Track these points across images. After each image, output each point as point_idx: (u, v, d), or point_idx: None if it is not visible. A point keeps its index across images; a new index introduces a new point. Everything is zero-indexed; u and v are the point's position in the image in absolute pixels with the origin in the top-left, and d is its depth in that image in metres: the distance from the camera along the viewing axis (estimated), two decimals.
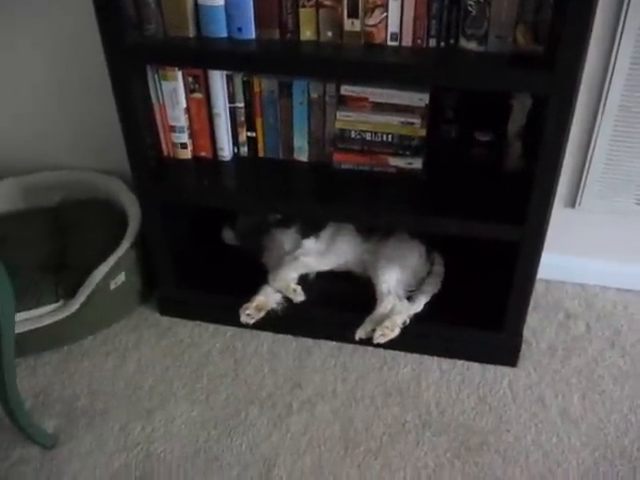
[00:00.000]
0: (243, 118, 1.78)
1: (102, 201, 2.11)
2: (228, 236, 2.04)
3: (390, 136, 1.73)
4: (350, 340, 1.83)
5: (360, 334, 1.81)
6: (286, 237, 1.95)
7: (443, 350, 1.87)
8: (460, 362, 1.86)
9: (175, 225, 1.93)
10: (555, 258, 2.02)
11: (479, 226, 1.63)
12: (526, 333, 1.91)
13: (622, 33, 1.65)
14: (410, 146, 1.73)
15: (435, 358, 1.87)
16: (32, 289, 1.84)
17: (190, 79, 1.72)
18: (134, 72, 1.65)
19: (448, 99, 1.76)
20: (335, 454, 1.66)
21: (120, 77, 1.60)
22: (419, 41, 1.52)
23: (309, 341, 1.93)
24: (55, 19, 1.94)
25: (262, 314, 1.85)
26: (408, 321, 1.80)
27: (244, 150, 1.83)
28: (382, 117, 1.71)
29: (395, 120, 1.71)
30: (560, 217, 1.94)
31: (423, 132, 1.71)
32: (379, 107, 1.71)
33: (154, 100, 1.74)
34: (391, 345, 1.82)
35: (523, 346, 1.88)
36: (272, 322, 1.89)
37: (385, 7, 1.49)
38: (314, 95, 1.71)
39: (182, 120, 1.77)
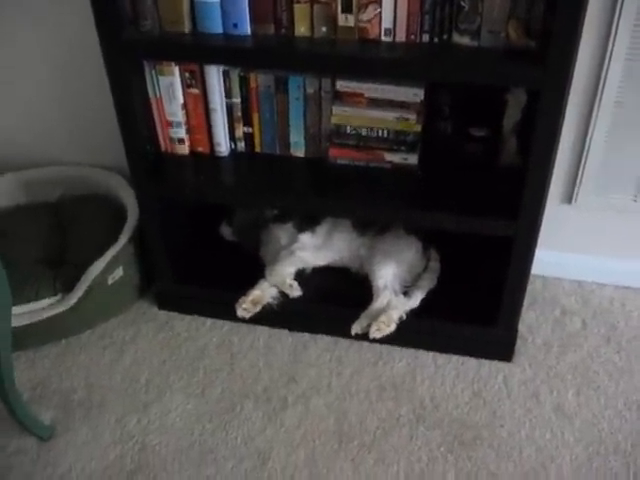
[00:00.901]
0: (240, 113, 1.79)
1: (102, 196, 2.13)
2: (226, 231, 2.05)
3: (385, 131, 1.73)
4: (346, 335, 1.84)
5: (356, 329, 1.81)
6: (283, 232, 1.96)
7: (438, 345, 1.88)
8: (455, 357, 1.86)
9: (173, 220, 1.95)
10: (552, 255, 2.02)
11: (473, 221, 1.64)
12: (522, 329, 1.92)
13: (617, 28, 1.65)
14: (405, 142, 1.74)
15: (430, 353, 1.88)
16: (31, 282, 1.86)
17: (187, 74, 1.73)
18: (131, 67, 1.67)
19: (443, 95, 1.76)
20: (329, 448, 1.67)
21: (117, 73, 1.62)
22: (412, 36, 1.52)
23: (305, 336, 1.94)
24: (55, 16, 1.96)
25: (258, 308, 1.86)
26: (404, 316, 1.81)
27: (241, 145, 1.84)
28: (378, 112, 1.72)
29: (390, 116, 1.71)
30: (556, 213, 1.95)
31: (418, 128, 1.72)
32: (375, 102, 1.72)
33: (151, 95, 1.76)
34: (387, 340, 1.82)
35: (519, 342, 1.88)
36: (269, 317, 1.90)
37: (379, 3, 1.49)
38: (310, 90, 1.72)
39: (179, 115, 1.78)
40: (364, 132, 1.75)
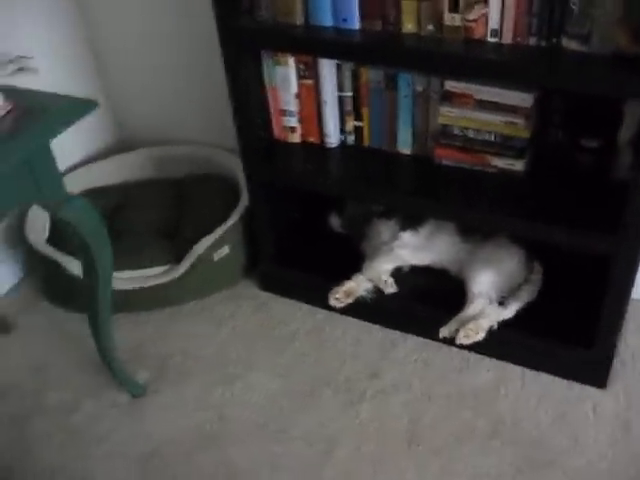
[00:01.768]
0: (350, 107, 1.81)
1: (223, 177, 2.23)
2: (335, 222, 2.08)
3: (493, 135, 1.69)
4: (435, 338, 1.82)
5: (444, 332, 1.79)
6: (386, 228, 1.96)
7: (529, 361, 1.80)
8: (545, 376, 1.79)
9: (283, 206, 2.02)
10: None
11: (571, 234, 1.56)
12: (625, 354, 1.81)
13: None
14: (512, 147, 1.68)
15: (520, 368, 1.81)
16: (145, 251, 2.00)
17: (301, 65, 1.78)
18: (246, 56, 1.74)
19: (556, 102, 1.68)
20: (398, 446, 1.67)
21: (231, 59, 1.69)
22: (519, 39, 1.47)
23: (396, 333, 1.94)
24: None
25: (350, 300, 1.88)
26: (496, 326, 1.76)
27: (351, 138, 1.86)
28: (485, 115, 1.67)
29: (498, 119, 1.66)
30: None
31: (527, 133, 1.66)
32: (483, 105, 1.67)
33: (267, 84, 1.82)
34: (476, 348, 1.80)
35: (618, 367, 1.77)
36: (362, 310, 1.93)
37: (486, 2, 1.46)
38: (419, 89, 1.71)
39: (292, 105, 1.84)
40: (471, 134, 1.71)
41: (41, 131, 1.30)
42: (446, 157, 1.76)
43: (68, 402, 1.84)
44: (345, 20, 1.60)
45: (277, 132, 1.90)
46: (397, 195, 1.78)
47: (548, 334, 1.77)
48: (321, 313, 2.01)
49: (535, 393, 1.76)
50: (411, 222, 1.94)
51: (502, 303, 1.81)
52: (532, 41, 1.47)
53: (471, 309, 1.79)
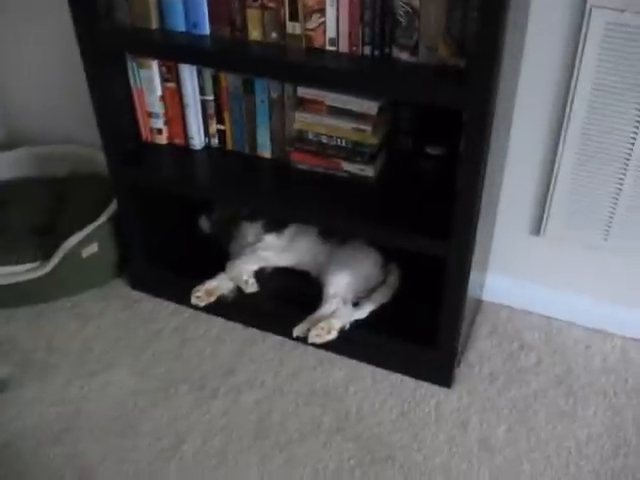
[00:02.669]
0: (213, 111, 1.86)
1: (105, 177, 2.24)
2: (204, 224, 2.13)
3: (343, 141, 1.75)
4: (291, 336, 1.86)
5: (297, 332, 1.83)
6: (251, 230, 2.01)
7: (381, 361, 1.86)
8: (395, 375, 1.84)
9: (153, 207, 2.05)
10: (522, 286, 1.95)
11: (410, 238, 1.62)
12: (472, 357, 1.88)
13: (582, 58, 1.59)
14: (363, 152, 1.74)
15: (371, 367, 1.87)
16: (15, 248, 2.01)
17: (164, 69, 1.82)
18: (110, 57, 1.78)
19: (404, 110, 1.75)
20: (244, 442, 1.71)
21: (89, 61, 1.73)
22: (354, 48, 1.54)
23: (257, 332, 1.98)
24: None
25: (212, 299, 1.92)
26: (348, 326, 1.81)
27: (214, 141, 1.91)
28: (336, 121, 1.73)
29: (348, 125, 1.72)
30: (524, 244, 1.89)
31: (374, 140, 1.72)
32: (334, 111, 1.73)
33: (133, 86, 1.86)
34: (331, 348, 1.85)
35: (464, 369, 1.84)
36: (226, 309, 1.97)
37: (322, 12, 1.52)
38: (274, 95, 1.76)
39: (158, 107, 1.88)
40: (324, 139, 1.76)
41: None
42: (302, 161, 1.82)
43: None
44: (196, 25, 1.65)
45: (145, 134, 1.94)
46: (257, 199, 1.82)
47: (397, 334, 1.83)
48: (188, 312, 2.04)
49: (383, 392, 1.81)
50: (275, 225, 1.99)
51: (358, 304, 1.88)
52: (367, 50, 1.54)
53: (325, 309, 1.83)
